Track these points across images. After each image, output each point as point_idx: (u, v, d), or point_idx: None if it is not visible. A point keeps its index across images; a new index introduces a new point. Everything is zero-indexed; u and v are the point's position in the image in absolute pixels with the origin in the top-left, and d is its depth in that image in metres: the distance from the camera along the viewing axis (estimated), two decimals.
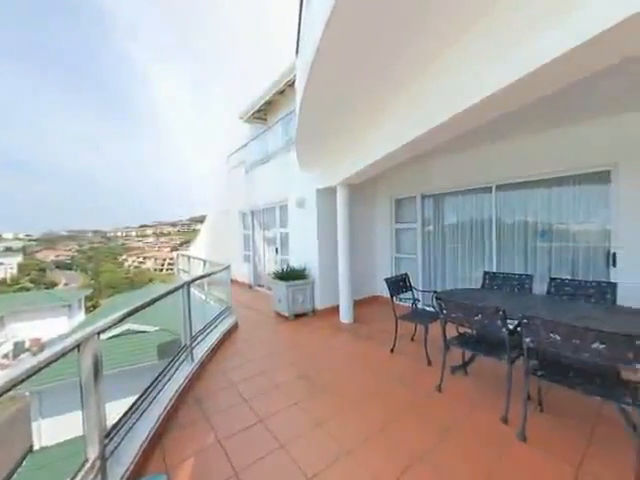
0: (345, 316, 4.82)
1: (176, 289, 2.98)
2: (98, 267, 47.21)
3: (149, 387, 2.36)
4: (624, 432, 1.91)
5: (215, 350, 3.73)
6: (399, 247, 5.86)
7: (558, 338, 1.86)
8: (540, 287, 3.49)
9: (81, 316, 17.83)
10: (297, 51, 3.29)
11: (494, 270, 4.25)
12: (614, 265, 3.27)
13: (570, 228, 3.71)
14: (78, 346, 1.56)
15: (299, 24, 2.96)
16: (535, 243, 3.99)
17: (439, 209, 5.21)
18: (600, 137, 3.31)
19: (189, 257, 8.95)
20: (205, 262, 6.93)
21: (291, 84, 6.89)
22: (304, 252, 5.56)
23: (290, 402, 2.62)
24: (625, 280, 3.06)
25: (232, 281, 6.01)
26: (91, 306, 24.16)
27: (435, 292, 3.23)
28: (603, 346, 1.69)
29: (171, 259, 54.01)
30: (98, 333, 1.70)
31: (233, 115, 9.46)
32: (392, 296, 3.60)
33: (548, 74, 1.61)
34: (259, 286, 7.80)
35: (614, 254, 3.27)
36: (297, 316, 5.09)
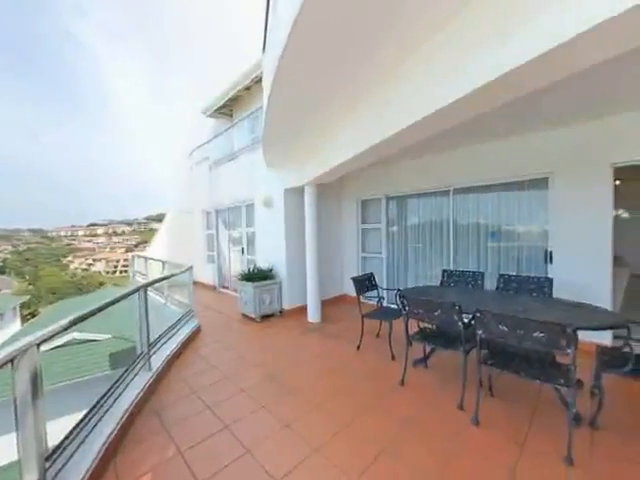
0: (313, 316, 4.84)
1: (131, 293, 2.77)
2: (37, 270, 42.11)
3: (100, 400, 2.16)
4: (559, 409, 2.16)
5: (176, 356, 3.53)
6: (365, 247, 6.03)
7: (506, 329, 2.04)
8: (491, 283, 3.81)
9: (16, 326, 15.79)
10: (264, 48, 3.24)
11: (451, 268, 4.55)
12: (551, 262, 3.68)
13: (516, 229, 4.10)
14: (12, 360, 1.38)
15: (266, 21, 2.92)
16: (486, 243, 4.35)
17: (402, 210, 5.45)
18: (540, 148, 3.71)
19: (146, 258, 8.36)
20: (164, 264, 6.52)
21: (258, 81, 6.76)
22: (271, 252, 5.49)
23: (257, 405, 2.56)
24: (559, 275, 3.46)
25: (195, 283, 5.75)
26: (29, 314, 21.54)
27: (399, 290, 3.37)
28: (542, 335, 1.89)
29: (125, 261, 49.94)
30: (38, 344, 1.52)
31: (196, 109, 9.03)
32: (358, 295, 3.69)
33: (496, 89, 1.75)
34: (224, 288, 7.54)
35: (551, 252, 3.68)
36: (264, 317, 5.00)
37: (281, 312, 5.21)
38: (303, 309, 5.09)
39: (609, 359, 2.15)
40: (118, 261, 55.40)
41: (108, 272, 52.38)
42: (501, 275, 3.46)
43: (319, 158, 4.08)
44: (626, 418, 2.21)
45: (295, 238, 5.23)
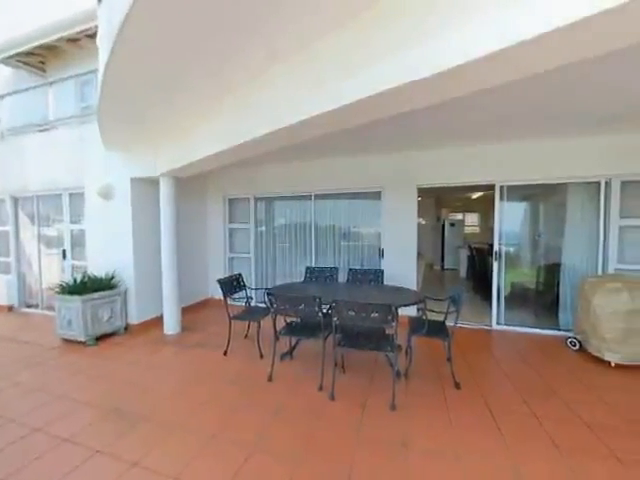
0: (171, 326, 4.23)
1: None
2: None
3: None
4: (388, 370, 2.81)
5: None
6: (233, 247, 5.83)
7: (353, 313, 2.47)
8: (343, 276, 4.50)
9: None
10: None
11: (313, 265, 5.07)
12: (383, 257, 4.74)
13: (360, 231, 5.05)
14: None
15: None
16: (340, 242, 5.13)
17: (270, 211, 5.63)
18: (376, 167, 4.71)
19: None
20: None
21: (92, 35, 5.25)
22: (111, 255, 4.40)
23: (89, 452, 1.99)
24: (388, 267, 4.51)
25: None
26: None
27: (267, 289, 3.46)
28: (377, 314, 2.41)
29: None
30: None
31: None
32: (225, 297, 3.52)
33: (347, 112, 2.07)
34: (30, 307, 5.43)
35: (383, 250, 4.75)
36: (101, 338, 3.95)
37: (126, 328, 4.27)
38: (158, 320, 4.37)
39: (415, 326, 2.98)
40: None
41: None
42: (350, 269, 4.16)
43: (179, 148, 3.62)
44: (424, 366, 3.13)
45: (147, 238, 4.42)
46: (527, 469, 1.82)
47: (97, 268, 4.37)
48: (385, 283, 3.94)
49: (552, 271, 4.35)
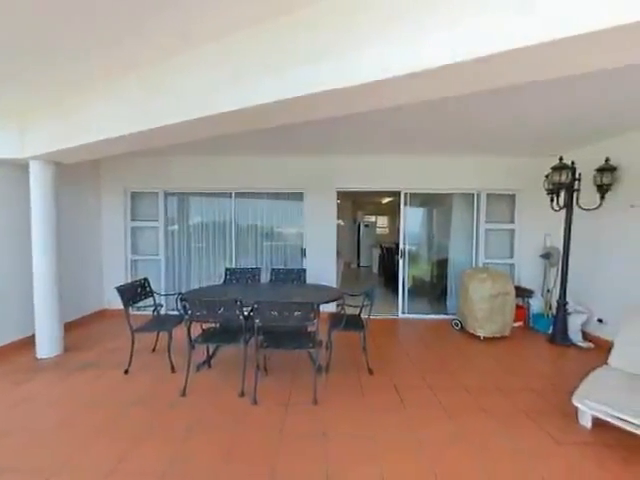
0: (46, 348, 3.39)
1: None
2: None
3: None
4: (310, 366, 2.89)
5: None
6: (137, 248, 5.06)
7: (276, 314, 2.46)
8: (266, 276, 4.43)
9: None
10: None
11: (234, 266, 4.84)
12: (305, 257, 4.87)
13: (283, 231, 5.06)
14: None
15: None
16: (262, 242, 5.04)
17: (184, 208, 5.11)
18: (298, 169, 4.79)
19: None
20: None
21: None
22: None
23: None
24: (310, 266, 4.65)
25: None
26: None
27: (180, 294, 3.13)
28: (300, 313, 2.46)
29: None
30: None
31: None
32: (126, 307, 3.03)
33: (264, 112, 2.01)
34: None
35: (305, 249, 4.87)
36: None
37: None
38: (27, 342, 3.46)
39: (334, 321, 3.15)
40: None
41: None
42: (273, 269, 4.13)
43: (63, 125, 2.92)
44: (343, 357, 3.34)
45: (8, 237, 3.45)
46: (424, 433, 2.14)
47: None
48: (307, 282, 4.05)
49: (442, 266, 5.25)
